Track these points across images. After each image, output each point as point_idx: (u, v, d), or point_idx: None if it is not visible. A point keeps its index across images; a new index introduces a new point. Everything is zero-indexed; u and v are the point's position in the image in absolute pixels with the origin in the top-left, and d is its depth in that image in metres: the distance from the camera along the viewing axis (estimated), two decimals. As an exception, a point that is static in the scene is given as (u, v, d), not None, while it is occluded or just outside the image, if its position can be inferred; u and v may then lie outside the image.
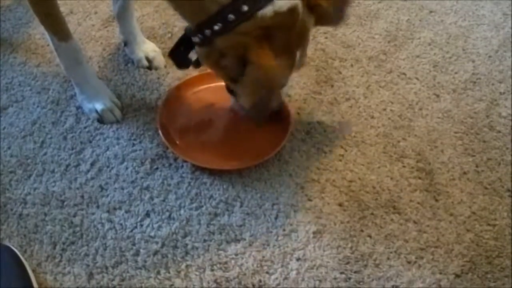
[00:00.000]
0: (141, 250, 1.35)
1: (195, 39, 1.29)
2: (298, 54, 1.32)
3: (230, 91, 1.47)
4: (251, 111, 1.40)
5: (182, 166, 1.49)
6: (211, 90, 1.63)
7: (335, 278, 1.31)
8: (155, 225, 1.39)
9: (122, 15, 1.66)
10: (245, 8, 1.18)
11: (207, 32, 1.24)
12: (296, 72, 1.40)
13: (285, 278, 1.31)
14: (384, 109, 1.62)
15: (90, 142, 1.54)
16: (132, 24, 1.69)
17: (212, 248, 1.35)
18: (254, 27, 1.21)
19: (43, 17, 1.45)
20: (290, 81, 1.63)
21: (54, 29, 1.47)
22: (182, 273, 1.32)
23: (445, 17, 1.91)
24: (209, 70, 1.55)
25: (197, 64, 1.41)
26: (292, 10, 1.22)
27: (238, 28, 1.21)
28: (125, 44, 1.73)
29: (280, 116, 1.53)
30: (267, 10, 1.19)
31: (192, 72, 1.63)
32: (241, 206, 1.42)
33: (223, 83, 1.51)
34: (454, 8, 1.94)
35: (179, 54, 1.39)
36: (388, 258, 1.34)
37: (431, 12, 1.92)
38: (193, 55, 1.39)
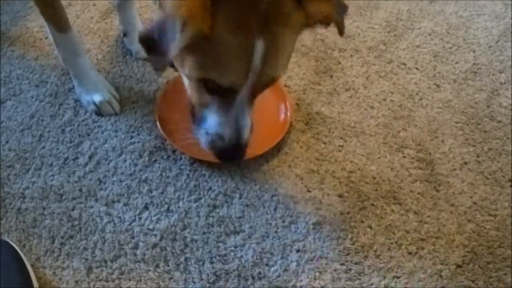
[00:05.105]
0: (140, 243, 1.34)
1: None
2: (261, 43, 1.07)
3: None
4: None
5: (181, 158, 1.48)
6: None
7: (335, 270, 1.30)
8: (154, 218, 1.38)
9: (123, 5, 1.65)
10: None
11: None
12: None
13: (285, 270, 1.30)
14: (384, 99, 1.61)
15: (88, 135, 1.54)
16: (132, 15, 1.68)
17: (211, 241, 1.34)
18: None
19: (44, 8, 1.45)
20: (289, 72, 1.63)
21: (54, 20, 1.47)
22: (181, 266, 1.31)
23: (446, 7, 1.90)
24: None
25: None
26: None
27: None
28: (124, 34, 1.73)
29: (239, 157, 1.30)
30: None
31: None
32: (240, 198, 1.41)
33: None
34: (455, -2, 1.94)
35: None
36: (388, 249, 1.34)
37: (431, 2, 1.91)
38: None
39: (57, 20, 1.48)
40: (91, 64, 1.63)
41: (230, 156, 1.26)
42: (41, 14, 1.47)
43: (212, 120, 1.21)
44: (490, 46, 1.78)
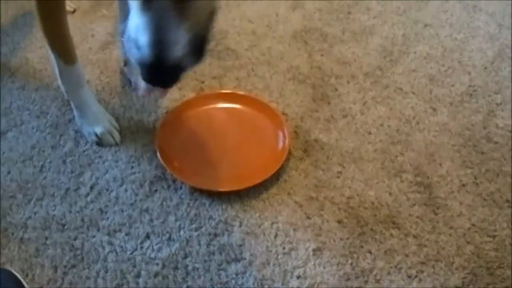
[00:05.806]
0: (142, 272, 1.35)
1: None
2: None
3: None
4: None
5: (181, 187, 1.49)
6: (208, 112, 1.64)
7: (336, 295, 1.31)
8: (155, 247, 1.39)
9: None
10: None
11: None
12: None
13: (286, 297, 1.31)
14: (381, 125, 1.63)
15: (89, 165, 1.55)
16: None
17: (213, 268, 1.35)
18: None
19: (53, 41, 1.45)
20: (287, 99, 1.64)
21: (62, 52, 1.47)
22: (183, 294, 1.32)
23: (440, 30, 1.92)
24: (206, 93, 1.62)
25: None
26: None
27: None
28: (125, 64, 1.73)
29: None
30: None
31: (189, 93, 1.64)
32: (240, 226, 1.42)
33: (220, 105, 1.60)
34: (449, 21, 1.95)
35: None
36: (388, 273, 1.34)
37: (426, 25, 1.93)
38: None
39: (65, 52, 1.48)
40: (93, 95, 1.64)
41: (153, 75, 1.02)
42: (50, 47, 1.46)
43: (132, 20, 0.99)
44: (485, 68, 1.79)
